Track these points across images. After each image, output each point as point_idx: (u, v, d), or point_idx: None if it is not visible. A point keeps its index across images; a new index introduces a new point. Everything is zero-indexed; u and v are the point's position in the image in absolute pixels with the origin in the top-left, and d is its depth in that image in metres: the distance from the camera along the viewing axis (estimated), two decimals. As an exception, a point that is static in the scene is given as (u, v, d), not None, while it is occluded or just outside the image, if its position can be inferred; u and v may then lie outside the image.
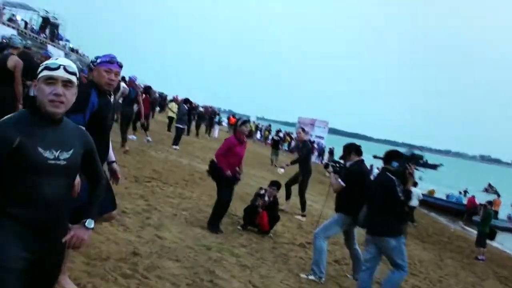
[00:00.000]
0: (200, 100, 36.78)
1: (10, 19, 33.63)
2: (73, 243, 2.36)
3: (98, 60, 3.77)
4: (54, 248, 2.30)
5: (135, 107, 13.25)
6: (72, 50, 47.86)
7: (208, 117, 28.20)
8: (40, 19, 40.71)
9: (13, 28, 31.86)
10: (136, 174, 9.41)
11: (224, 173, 6.97)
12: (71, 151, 2.28)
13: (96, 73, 3.73)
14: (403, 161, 5.65)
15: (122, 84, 13.07)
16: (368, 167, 8.43)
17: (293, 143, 36.19)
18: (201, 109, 30.06)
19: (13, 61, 7.24)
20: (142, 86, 16.92)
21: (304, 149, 11.03)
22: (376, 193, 5.55)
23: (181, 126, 16.94)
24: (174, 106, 21.70)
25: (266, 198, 7.87)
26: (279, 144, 21.55)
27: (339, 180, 6.30)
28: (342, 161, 6.90)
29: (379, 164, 32.33)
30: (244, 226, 7.67)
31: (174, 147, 16.22)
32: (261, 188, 8.02)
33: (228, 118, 40.10)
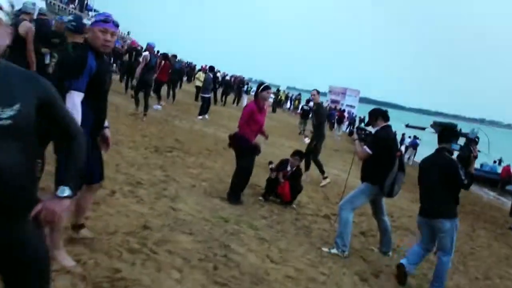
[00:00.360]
0: (231, 70, 36.62)
1: None
2: (43, 218, 1.88)
3: (92, 20, 3.45)
4: (18, 232, 1.86)
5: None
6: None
7: (236, 86, 27.78)
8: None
9: (42, -1, 31.89)
10: (157, 144, 9.21)
11: (249, 142, 6.67)
12: (17, 106, 1.76)
13: (91, 34, 3.41)
14: (467, 144, 5.27)
15: (145, 53, 13.01)
16: (400, 136, 7.97)
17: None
18: (228, 78, 29.76)
19: (25, 27, 7.01)
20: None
21: (317, 112, 10.61)
22: (431, 174, 5.22)
23: (206, 96, 16.65)
24: (201, 76, 21.45)
25: (289, 168, 7.54)
26: (308, 113, 21.02)
27: (365, 147, 5.90)
28: (368, 128, 6.48)
29: (411, 133, 32.01)
30: (265, 196, 7.37)
31: (200, 117, 15.96)
32: (270, 163, 7.76)
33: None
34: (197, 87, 21.50)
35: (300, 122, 22.81)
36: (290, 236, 5.94)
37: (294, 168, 7.60)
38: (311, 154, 10.11)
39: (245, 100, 27.97)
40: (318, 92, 10.53)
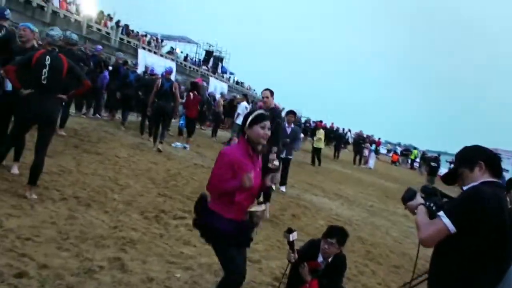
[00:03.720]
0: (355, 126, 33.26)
1: (169, 52, 34.18)
2: None
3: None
4: None
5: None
6: (237, 83, 48.04)
7: (356, 142, 24.20)
8: (203, 52, 41.30)
9: (172, 60, 32.21)
10: (164, 206, 6.40)
11: (224, 224, 3.49)
12: None
13: None
14: None
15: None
16: None
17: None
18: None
19: None
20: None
21: None
22: None
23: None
24: (322, 134, 18.68)
25: (320, 259, 4.17)
26: (436, 170, 17.16)
27: (442, 218, 2.50)
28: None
29: None
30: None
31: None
32: (289, 231, 4.12)
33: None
34: (316, 149, 18.53)
35: (428, 179, 18.79)
36: None
37: (330, 259, 4.19)
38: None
39: (371, 160, 24.31)
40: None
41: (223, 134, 19.66)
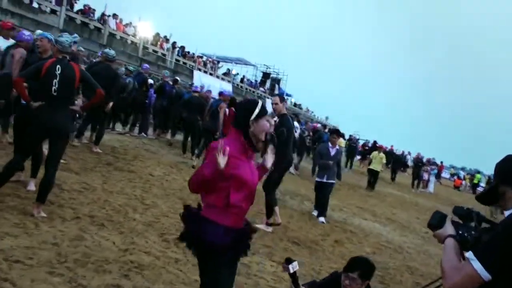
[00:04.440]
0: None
1: (225, 73, 34.26)
2: None
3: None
4: None
5: None
6: (295, 105, 47.58)
7: (415, 165, 22.90)
8: (259, 74, 41.21)
9: (228, 81, 32.26)
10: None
11: (219, 235, 2.91)
12: None
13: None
14: None
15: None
16: None
17: None
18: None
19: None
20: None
21: None
22: None
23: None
24: (380, 157, 17.25)
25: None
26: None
27: (471, 261, 1.82)
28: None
29: None
30: None
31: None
32: (288, 261, 3.38)
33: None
34: (373, 171, 17.20)
35: (491, 208, 17.31)
36: None
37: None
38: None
39: (431, 184, 23.01)
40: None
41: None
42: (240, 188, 2.98)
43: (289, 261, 3.19)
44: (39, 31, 6.53)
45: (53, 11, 18.70)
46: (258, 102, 3.06)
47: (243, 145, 2.99)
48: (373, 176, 17.22)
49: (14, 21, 15.38)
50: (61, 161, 7.56)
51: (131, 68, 12.90)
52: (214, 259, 2.91)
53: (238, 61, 38.74)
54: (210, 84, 26.40)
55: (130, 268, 4.26)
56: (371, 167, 17.45)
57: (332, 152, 9.28)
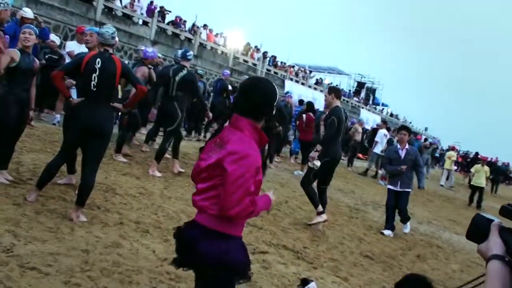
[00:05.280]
0: None
1: (317, 83, 33.62)
2: None
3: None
4: None
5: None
6: (391, 115, 45.77)
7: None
8: (354, 83, 40.06)
9: (320, 91, 31.63)
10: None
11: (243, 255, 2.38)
12: None
13: None
14: None
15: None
16: None
17: None
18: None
19: None
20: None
21: None
22: None
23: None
24: (482, 170, 15.46)
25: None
26: None
27: None
28: None
29: None
30: None
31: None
32: (305, 283, 2.66)
33: None
34: (476, 188, 15.31)
35: None
36: None
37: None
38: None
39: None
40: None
41: (360, 163, 18.16)
42: (258, 191, 2.40)
43: (305, 282, 2.58)
44: (89, 27, 6.36)
45: (145, 23, 19.20)
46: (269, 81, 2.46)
47: (260, 138, 2.37)
48: (476, 192, 15.37)
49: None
50: (122, 162, 7.44)
51: (200, 72, 12.72)
52: (230, 282, 2.34)
53: (331, 70, 37.96)
54: (302, 94, 26.01)
55: (163, 280, 3.79)
56: (474, 183, 15.55)
57: (402, 154, 7.72)
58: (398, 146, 7.88)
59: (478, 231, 1.37)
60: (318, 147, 6.50)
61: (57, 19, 15.25)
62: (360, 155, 20.04)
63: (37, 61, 5.12)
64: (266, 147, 2.61)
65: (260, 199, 2.30)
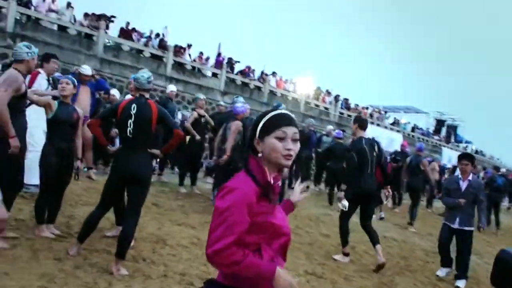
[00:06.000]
0: None
1: (393, 123, 32.63)
2: None
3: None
4: None
5: None
6: (476, 152, 43.35)
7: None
8: (433, 122, 38.50)
9: (397, 131, 30.67)
10: None
11: None
12: None
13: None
14: None
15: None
16: None
17: None
18: None
19: None
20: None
21: None
22: None
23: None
24: None
25: None
26: None
27: None
28: None
29: None
30: None
31: None
32: None
33: None
34: None
35: None
36: None
37: None
38: None
39: None
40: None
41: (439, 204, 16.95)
42: (272, 239, 2.05)
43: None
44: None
45: (214, 75, 19.63)
46: (270, 112, 2.08)
47: (263, 177, 2.03)
48: None
49: (179, 87, 16.42)
50: (181, 213, 7.27)
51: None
52: None
53: (407, 109, 36.77)
54: (378, 135, 25.22)
55: None
56: None
57: (463, 186, 6.63)
58: (460, 176, 6.77)
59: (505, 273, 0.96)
60: (343, 186, 6.32)
61: (129, 77, 15.96)
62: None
63: (79, 111, 5.11)
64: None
65: (261, 262, 1.93)
